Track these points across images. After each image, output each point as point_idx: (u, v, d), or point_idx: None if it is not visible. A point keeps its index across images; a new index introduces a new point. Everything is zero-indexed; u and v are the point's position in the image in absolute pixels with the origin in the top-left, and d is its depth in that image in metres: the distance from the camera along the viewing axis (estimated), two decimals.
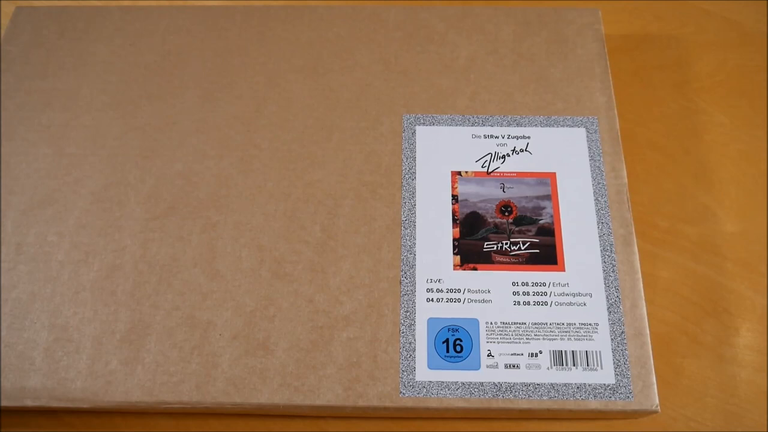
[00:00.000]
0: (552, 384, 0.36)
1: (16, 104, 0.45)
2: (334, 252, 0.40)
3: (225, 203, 0.41)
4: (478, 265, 0.39)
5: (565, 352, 0.37)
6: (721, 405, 0.41)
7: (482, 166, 0.42)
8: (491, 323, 0.38)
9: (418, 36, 0.47)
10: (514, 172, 0.42)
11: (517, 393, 0.36)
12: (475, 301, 0.38)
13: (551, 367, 0.36)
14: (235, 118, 0.44)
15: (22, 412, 0.40)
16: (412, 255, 0.40)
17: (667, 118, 0.51)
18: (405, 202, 0.41)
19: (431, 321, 0.38)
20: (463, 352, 0.37)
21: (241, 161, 0.43)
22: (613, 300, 0.38)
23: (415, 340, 0.37)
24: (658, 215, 0.47)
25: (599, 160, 0.42)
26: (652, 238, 0.46)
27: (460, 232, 0.40)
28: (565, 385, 0.36)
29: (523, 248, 0.40)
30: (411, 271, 0.39)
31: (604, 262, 0.39)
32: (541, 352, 0.37)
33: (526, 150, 0.43)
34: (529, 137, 0.43)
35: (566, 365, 0.36)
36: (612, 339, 0.37)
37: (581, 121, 0.44)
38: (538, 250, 0.40)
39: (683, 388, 0.41)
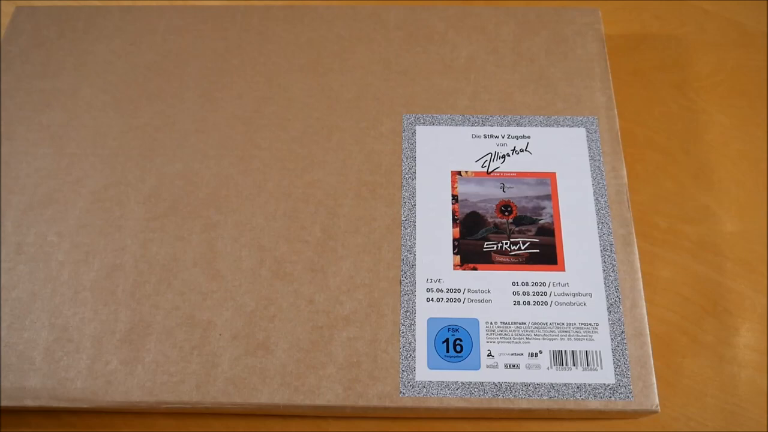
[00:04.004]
0: (552, 384, 0.36)
1: (16, 104, 0.45)
2: (334, 252, 0.40)
3: (225, 203, 0.41)
4: (478, 265, 0.39)
5: (565, 352, 0.37)
6: (721, 405, 0.41)
7: (482, 166, 0.42)
8: (491, 323, 0.38)
9: (418, 36, 0.47)
10: (514, 172, 0.42)
11: (517, 393, 0.36)
12: (475, 301, 0.38)
13: (551, 367, 0.36)
14: (235, 118, 0.44)
15: (22, 412, 0.40)
16: (412, 255, 0.40)
17: (667, 118, 0.51)
18: (405, 202, 0.41)
19: (431, 321, 0.38)
20: (463, 352, 0.37)
21: (241, 161, 0.43)
22: (613, 300, 0.38)
23: (415, 340, 0.37)
24: (658, 215, 0.47)
25: (599, 160, 0.42)
26: (652, 238, 0.46)
27: (460, 232, 0.40)
28: (565, 385, 0.36)
29: (523, 248, 0.40)
30: (411, 271, 0.39)
31: (604, 262, 0.39)
32: (541, 352, 0.37)
33: (526, 150, 0.43)
34: (529, 137, 0.43)
35: (566, 365, 0.36)
36: (612, 339, 0.37)
37: (581, 121, 0.44)
38: (538, 250, 0.40)
39: (683, 388, 0.41)
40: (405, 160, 0.43)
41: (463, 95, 0.45)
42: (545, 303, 0.38)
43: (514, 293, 0.38)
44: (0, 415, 0.40)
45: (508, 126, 0.44)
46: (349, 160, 0.43)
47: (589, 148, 0.43)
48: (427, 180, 0.42)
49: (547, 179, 0.42)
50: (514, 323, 0.38)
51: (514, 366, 0.36)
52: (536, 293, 0.38)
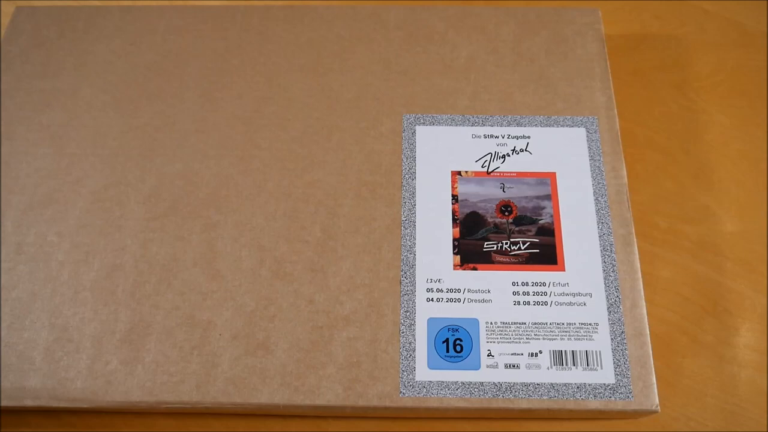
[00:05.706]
0: (552, 384, 0.36)
1: (16, 104, 0.45)
2: (334, 252, 0.40)
3: (225, 203, 0.41)
4: (478, 265, 0.39)
5: (565, 352, 0.37)
6: (721, 405, 0.41)
7: (482, 166, 0.42)
8: (491, 323, 0.38)
9: (418, 36, 0.47)
10: (514, 172, 0.42)
11: (517, 393, 0.36)
12: (475, 301, 0.38)
13: (551, 367, 0.36)
14: (235, 118, 0.44)
15: (22, 412, 0.40)
16: (412, 255, 0.40)
17: (667, 118, 0.51)
18: (405, 202, 0.41)
19: (431, 321, 0.38)
20: (463, 351, 0.37)
21: (241, 161, 0.43)
22: (613, 300, 0.38)
23: (415, 340, 0.37)
24: (658, 215, 0.47)
25: (599, 160, 0.42)
26: (652, 238, 0.46)
27: (460, 232, 0.40)
28: (565, 385, 0.36)
29: (523, 248, 0.40)
30: (411, 271, 0.39)
31: (604, 262, 0.39)
32: (541, 352, 0.37)
33: (526, 150, 0.43)
34: (529, 137, 0.43)
35: (566, 365, 0.36)
36: (612, 339, 0.37)
37: (581, 121, 0.44)
38: (538, 250, 0.40)
39: (683, 388, 0.41)
40: (405, 160, 0.43)
41: (463, 95, 0.45)
42: (545, 303, 0.38)
43: (514, 293, 0.38)
44: (0, 415, 0.40)
45: (508, 126, 0.44)
46: (349, 160, 0.43)
47: (589, 148, 0.43)
48: (427, 180, 0.42)
49: (547, 179, 0.42)
50: (514, 323, 0.38)
51: (514, 366, 0.36)
52: (536, 293, 0.38)
